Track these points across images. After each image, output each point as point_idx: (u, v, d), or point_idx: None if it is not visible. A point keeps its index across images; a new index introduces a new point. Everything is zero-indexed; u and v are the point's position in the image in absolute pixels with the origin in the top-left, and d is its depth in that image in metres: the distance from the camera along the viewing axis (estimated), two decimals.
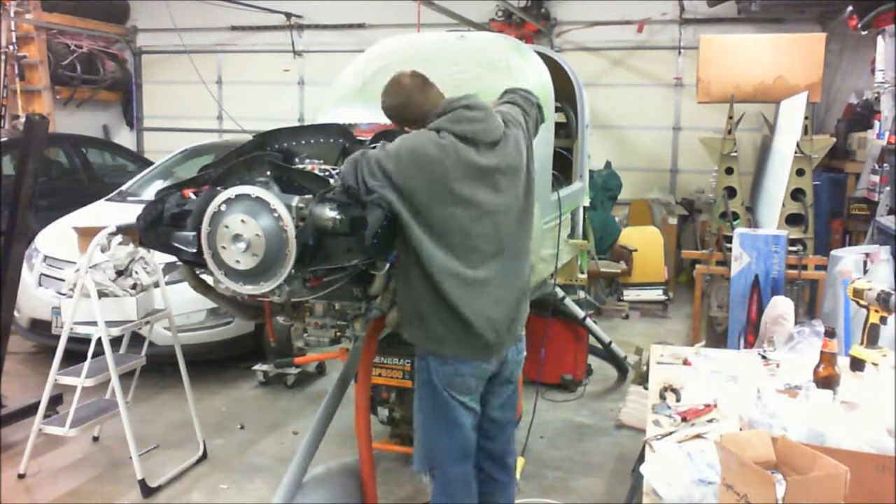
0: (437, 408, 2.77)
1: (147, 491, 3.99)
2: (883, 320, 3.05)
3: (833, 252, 5.35)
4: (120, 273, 4.14)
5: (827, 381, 2.61)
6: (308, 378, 5.74)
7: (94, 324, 3.93)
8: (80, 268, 3.98)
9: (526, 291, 2.90)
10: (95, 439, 4.60)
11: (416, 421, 2.85)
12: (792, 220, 5.42)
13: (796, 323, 3.99)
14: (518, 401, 3.10)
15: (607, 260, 6.30)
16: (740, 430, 2.31)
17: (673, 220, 8.65)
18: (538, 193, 3.21)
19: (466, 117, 2.65)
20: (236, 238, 2.46)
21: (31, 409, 4.41)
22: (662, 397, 2.78)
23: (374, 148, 2.83)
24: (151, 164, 7.75)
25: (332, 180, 2.75)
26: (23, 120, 6.16)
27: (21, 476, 4.12)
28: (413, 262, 2.65)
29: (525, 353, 2.98)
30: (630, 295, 7.55)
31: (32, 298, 5.58)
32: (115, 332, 4.04)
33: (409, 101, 2.75)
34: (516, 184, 2.77)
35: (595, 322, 5.71)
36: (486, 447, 2.93)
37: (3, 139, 7.46)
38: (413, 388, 3.78)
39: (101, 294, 4.00)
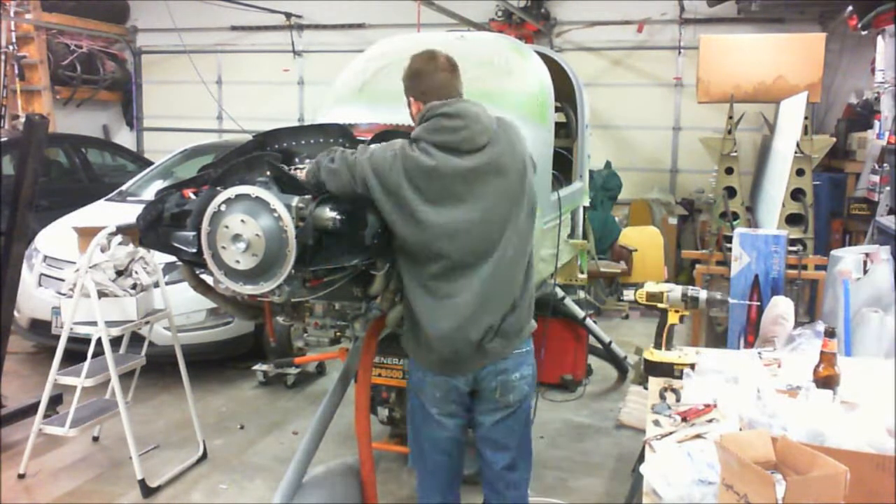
0: (412, 410, 2.85)
1: (147, 491, 3.99)
2: (682, 319, 3.10)
3: (833, 252, 5.34)
4: (120, 273, 4.15)
5: (827, 381, 2.61)
6: (308, 378, 5.74)
7: (94, 324, 3.93)
8: (80, 268, 3.98)
9: (516, 305, 2.67)
10: (95, 439, 4.60)
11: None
12: (792, 220, 5.42)
13: (796, 323, 3.99)
14: (522, 432, 2.85)
15: (607, 260, 6.28)
16: (740, 430, 2.31)
17: (673, 220, 8.65)
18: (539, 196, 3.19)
19: (445, 127, 2.55)
20: (236, 238, 2.46)
21: (31, 409, 4.41)
22: (662, 397, 2.78)
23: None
24: (151, 164, 7.75)
25: None
26: (23, 120, 6.15)
27: (21, 476, 4.12)
28: (403, 269, 2.70)
29: (527, 373, 2.76)
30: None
31: (32, 298, 5.58)
32: (115, 332, 4.04)
33: (432, 77, 2.64)
34: (505, 186, 2.59)
35: (595, 322, 5.71)
36: (483, 471, 2.88)
37: (3, 139, 7.46)
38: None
39: (101, 294, 4.00)
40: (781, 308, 3.99)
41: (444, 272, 2.58)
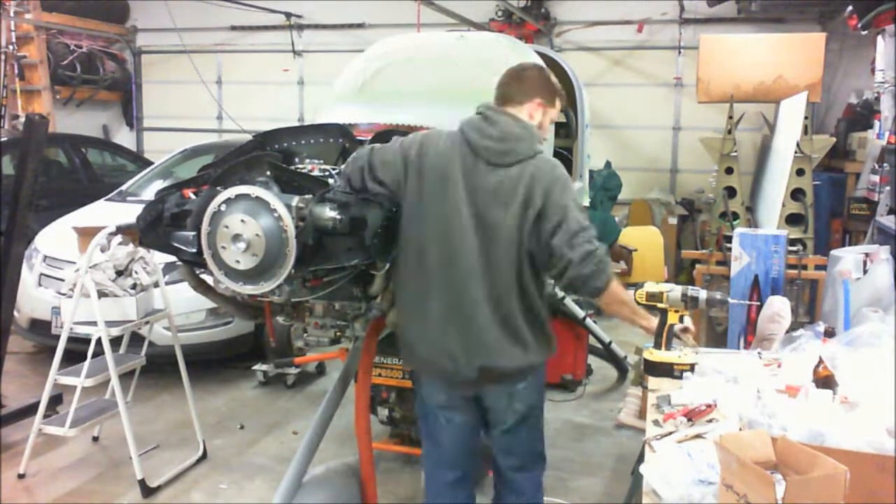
0: (420, 410, 2.85)
1: (147, 491, 3.99)
2: (681, 319, 3.10)
3: (833, 252, 5.34)
4: (120, 273, 4.15)
5: (827, 381, 2.61)
6: (308, 378, 5.74)
7: (93, 324, 3.93)
8: (79, 268, 3.98)
9: (517, 334, 2.58)
10: (95, 439, 4.60)
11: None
12: (792, 219, 5.42)
13: (796, 323, 3.99)
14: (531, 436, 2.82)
15: None
16: (740, 430, 2.31)
17: (673, 220, 8.64)
18: None
19: (477, 127, 2.57)
20: (236, 238, 2.46)
21: (31, 409, 4.41)
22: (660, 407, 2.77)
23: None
24: (151, 164, 7.74)
25: (331, 180, 2.75)
26: (23, 120, 6.15)
27: (21, 476, 4.12)
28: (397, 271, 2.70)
29: (528, 404, 2.72)
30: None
31: (32, 298, 5.58)
32: (115, 332, 4.04)
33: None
34: (508, 215, 2.49)
35: (595, 322, 5.71)
36: (495, 467, 2.88)
37: (3, 139, 7.46)
38: (413, 387, 3.80)
39: (101, 294, 4.00)
40: (777, 306, 3.99)
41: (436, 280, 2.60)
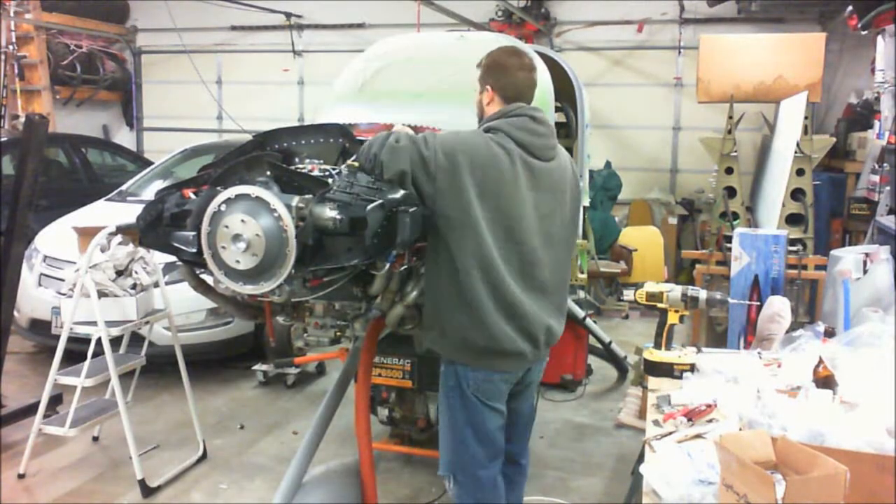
0: (466, 413, 2.71)
1: (147, 491, 3.99)
2: (681, 319, 3.10)
3: (833, 252, 5.34)
4: (120, 273, 4.15)
5: (827, 381, 2.61)
6: (308, 378, 5.74)
7: (93, 324, 3.93)
8: (79, 268, 3.98)
9: (562, 309, 2.86)
10: (95, 439, 4.60)
11: (442, 424, 2.80)
12: (792, 219, 5.42)
13: (796, 323, 3.99)
14: (534, 401, 3.07)
15: (607, 260, 6.29)
16: (740, 430, 2.31)
17: (673, 220, 8.64)
18: None
19: (530, 129, 2.65)
20: (236, 238, 2.46)
21: (31, 409, 4.41)
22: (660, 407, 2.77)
23: None
24: (151, 164, 7.75)
25: (331, 180, 2.74)
26: (23, 120, 6.15)
27: (21, 476, 4.12)
28: (450, 264, 2.59)
29: (547, 358, 2.98)
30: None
31: (32, 298, 5.58)
32: (115, 332, 4.04)
33: (515, 73, 2.71)
34: (560, 204, 2.76)
35: (595, 322, 5.71)
36: (505, 448, 2.90)
37: (3, 139, 7.46)
38: (413, 388, 3.80)
39: (101, 294, 4.00)
40: (777, 306, 3.99)
41: (527, 267, 2.68)
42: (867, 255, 5.03)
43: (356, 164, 2.66)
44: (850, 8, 6.47)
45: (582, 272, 5.19)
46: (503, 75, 2.72)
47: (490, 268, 2.57)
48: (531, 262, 2.66)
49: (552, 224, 2.72)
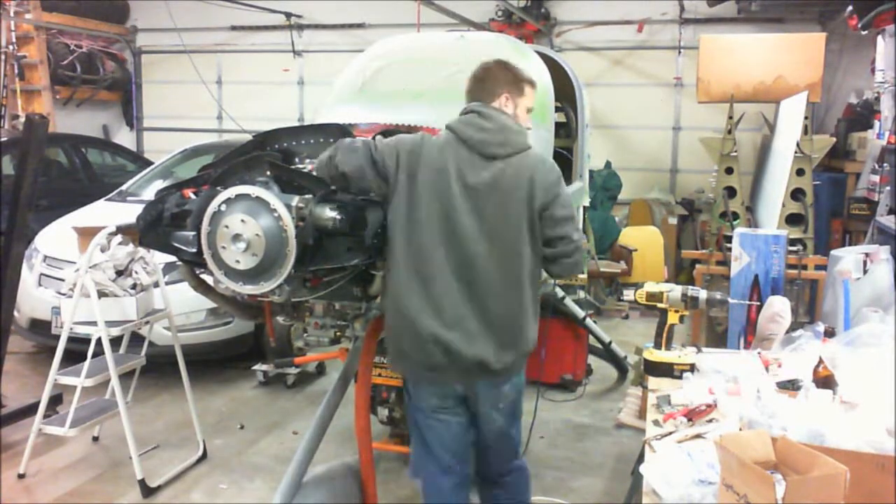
0: (414, 420, 2.80)
1: (147, 491, 3.99)
2: (681, 319, 3.10)
3: (833, 252, 5.34)
4: (120, 273, 4.14)
5: (827, 381, 2.61)
6: (308, 378, 5.74)
7: (93, 324, 3.93)
8: (79, 268, 3.98)
9: (509, 330, 2.63)
10: (95, 439, 4.60)
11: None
12: (792, 219, 5.42)
13: (797, 323, 3.99)
14: (500, 425, 2.82)
15: (607, 260, 6.29)
16: (740, 430, 2.31)
17: (673, 220, 8.64)
18: None
19: (474, 123, 2.64)
20: (236, 238, 2.46)
21: (31, 409, 4.41)
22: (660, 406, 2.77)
23: None
24: (151, 164, 7.75)
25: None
26: (23, 120, 6.15)
27: (21, 476, 4.12)
28: (390, 266, 2.65)
29: (510, 398, 2.77)
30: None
31: (32, 298, 5.58)
32: (115, 332, 4.04)
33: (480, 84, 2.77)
34: (505, 204, 2.58)
35: (595, 322, 5.71)
36: (477, 467, 2.89)
37: (3, 139, 7.46)
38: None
39: (101, 294, 4.00)
40: (777, 307, 3.99)
41: (438, 272, 2.61)
42: (867, 255, 5.02)
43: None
44: (850, 8, 6.47)
45: (582, 272, 5.19)
46: (479, 85, 2.78)
47: (396, 277, 2.60)
48: (466, 259, 2.57)
49: (494, 222, 2.57)
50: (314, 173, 2.69)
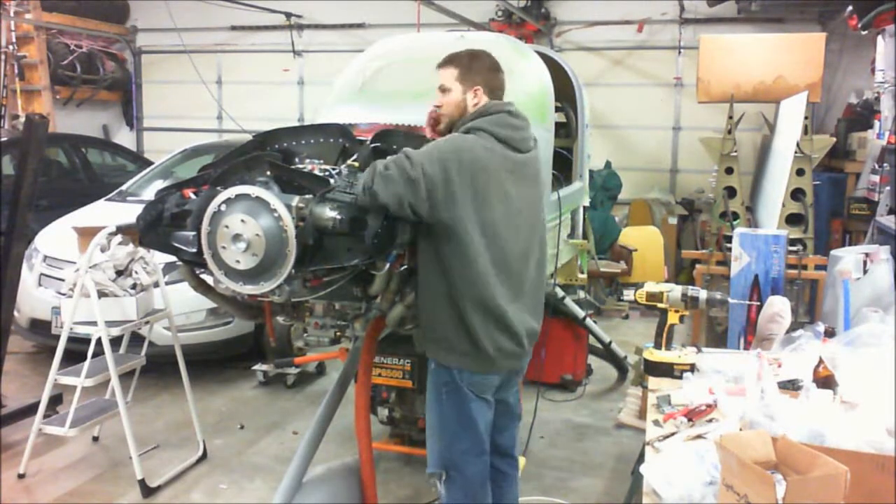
0: (458, 407, 2.73)
1: (147, 491, 3.99)
2: (681, 319, 3.10)
3: (833, 252, 5.34)
4: (120, 273, 4.14)
5: (827, 381, 2.61)
6: (308, 378, 5.74)
7: (93, 324, 3.93)
8: (79, 268, 3.98)
9: (540, 306, 2.92)
10: (95, 439, 4.60)
11: (430, 422, 2.80)
12: (792, 219, 5.42)
13: (797, 323, 3.99)
14: (518, 391, 3.09)
15: (607, 260, 6.29)
16: (740, 430, 2.31)
17: (673, 220, 8.64)
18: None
19: (510, 123, 2.71)
20: (236, 238, 2.46)
21: (31, 409, 4.41)
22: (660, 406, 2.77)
23: (374, 147, 2.85)
24: (151, 164, 7.74)
25: (331, 180, 2.74)
26: (23, 120, 6.15)
27: (21, 476, 4.12)
28: (443, 270, 2.61)
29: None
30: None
31: (32, 298, 5.58)
32: (115, 332, 4.04)
33: (501, 77, 2.81)
34: (538, 191, 2.88)
35: (595, 322, 5.71)
36: (495, 441, 2.92)
37: (3, 139, 7.46)
38: (413, 388, 3.79)
39: (101, 294, 4.00)
40: (777, 307, 3.99)
41: (517, 264, 2.73)
42: (867, 255, 5.03)
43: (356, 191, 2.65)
44: (850, 8, 6.47)
45: (582, 272, 5.19)
46: (495, 76, 2.80)
47: (478, 274, 2.59)
48: (517, 258, 2.71)
49: (532, 214, 2.80)
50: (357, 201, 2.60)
